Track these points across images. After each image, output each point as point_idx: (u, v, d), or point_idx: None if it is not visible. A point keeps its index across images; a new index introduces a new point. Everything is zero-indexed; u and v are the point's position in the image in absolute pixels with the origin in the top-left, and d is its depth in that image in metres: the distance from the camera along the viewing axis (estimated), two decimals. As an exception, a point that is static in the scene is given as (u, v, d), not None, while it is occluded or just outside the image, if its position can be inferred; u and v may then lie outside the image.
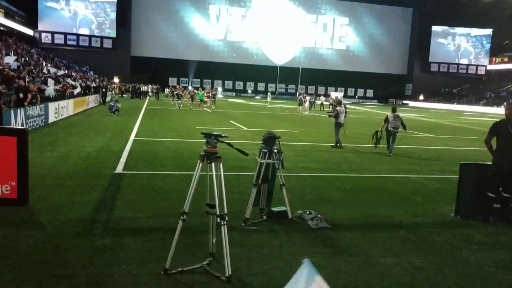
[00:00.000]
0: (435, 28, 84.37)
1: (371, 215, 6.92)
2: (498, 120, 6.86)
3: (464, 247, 5.67)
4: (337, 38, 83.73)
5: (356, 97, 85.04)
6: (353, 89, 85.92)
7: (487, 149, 6.97)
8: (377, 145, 14.49)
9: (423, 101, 77.86)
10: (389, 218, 6.81)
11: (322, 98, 48.70)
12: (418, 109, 61.14)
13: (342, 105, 16.14)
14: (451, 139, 20.21)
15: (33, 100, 16.43)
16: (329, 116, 16.45)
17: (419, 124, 29.62)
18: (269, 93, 52.34)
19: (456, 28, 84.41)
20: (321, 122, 26.23)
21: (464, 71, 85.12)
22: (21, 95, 15.64)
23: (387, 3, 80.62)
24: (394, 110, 14.67)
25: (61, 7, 67.58)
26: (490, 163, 6.85)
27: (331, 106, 44.06)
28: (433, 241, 5.82)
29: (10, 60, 23.70)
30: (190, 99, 35.07)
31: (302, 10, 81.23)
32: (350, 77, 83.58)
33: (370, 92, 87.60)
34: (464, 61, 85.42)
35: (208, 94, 35.60)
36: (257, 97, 51.53)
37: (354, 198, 7.91)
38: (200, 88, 38.52)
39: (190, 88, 42.65)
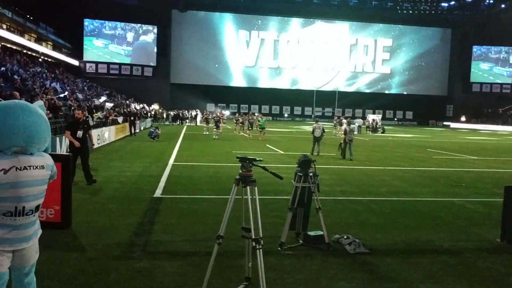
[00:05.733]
0: (476, 48, 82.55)
1: (411, 239, 6.72)
2: None
3: None
4: (379, 61, 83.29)
5: (395, 119, 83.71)
6: (392, 111, 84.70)
7: None
8: (344, 156, 17.56)
9: (465, 122, 75.61)
10: (430, 243, 6.59)
11: (360, 120, 48.22)
12: (459, 130, 59.42)
13: (319, 123, 19.76)
14: (494, 161, 19.48)
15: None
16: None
17: (460, 145, 28.76)
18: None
19: (498, 47, 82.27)
20: (357, 145, 25.91)
21: (508, 91, 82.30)
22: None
23: (426, 24, 79.77)
24: (349, 124, 18.41)
25: (104, 39, 70.73)
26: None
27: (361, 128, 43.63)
28: (477, 268, 5.58)
29: (60, 91, 24.96)
30: (249, 127, 30.31)
31: (340, 33, 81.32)
32: (388, 99, 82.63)
33: (409, 114, 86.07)
34: (508, 80, 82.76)
35: (250, 121, 31.70)
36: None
37: (393, 222, 7.72)
38: (259, 115, 33.59)
39: (257, 114, 36.03)
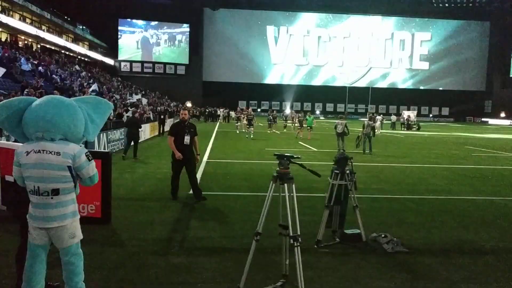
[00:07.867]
0: (516, 41, 79.55)
1: (451, 239, 6.56)
2: None
3: (559, 276, 5.19)
4: (416, 55, 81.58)
5: (431, 115, 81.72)
6: (427, 108, 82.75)
7: None
8: (358, 146, 18.34)
9: (504, 118, 73.00)
10: (471, 242, 6.41)
11: (394, 117, 47.39)
12: (499, 127, 57.49)
13: (343, 120, 19.72)
14: (538, 158, 18.74)
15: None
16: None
17: (501, 143, 27.81)
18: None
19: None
20: (392, 142, 25.47)
21: (551, 85, 78.99)
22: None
23: (463, 17, 77.46)
24: (370, 119, 19.41)
25: (138, 38, 72.09)
26: None
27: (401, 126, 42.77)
28: (522, 269, 5.39)
29: (94, 87, 25.67)
30: (298, 126, 28.73)
31: (374, 28, 79.96)
32: (423, 94, 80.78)
33: (445, 110, 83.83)
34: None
35: (300, 119, 30.31)
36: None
37: (432, 221, 7.54)
38: (308, 113, 31.30)
39: (287, 112, 34.38)
